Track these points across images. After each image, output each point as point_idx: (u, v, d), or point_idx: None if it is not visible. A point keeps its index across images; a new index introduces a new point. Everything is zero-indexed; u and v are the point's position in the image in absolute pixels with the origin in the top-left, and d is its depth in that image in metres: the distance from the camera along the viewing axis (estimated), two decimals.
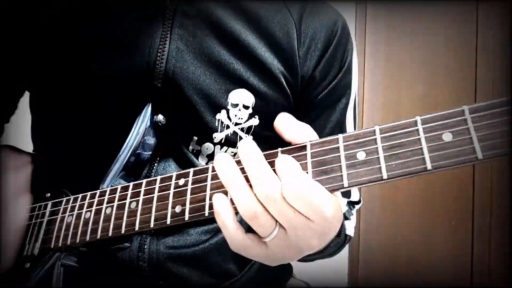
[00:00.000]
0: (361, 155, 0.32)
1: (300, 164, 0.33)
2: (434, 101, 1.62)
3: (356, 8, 1.65)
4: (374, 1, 1.67)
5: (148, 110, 0.48)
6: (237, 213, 0.34)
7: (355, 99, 0.56)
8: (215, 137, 0.50)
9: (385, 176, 0.31)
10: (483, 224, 1.55)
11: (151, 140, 0.49)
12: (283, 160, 0.32)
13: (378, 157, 0.31)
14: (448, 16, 1.63)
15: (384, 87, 1.66)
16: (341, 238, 0.50)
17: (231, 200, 0.33)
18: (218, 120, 0.49)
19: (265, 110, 0.50)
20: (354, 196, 0.57)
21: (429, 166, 0.30)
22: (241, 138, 0.51)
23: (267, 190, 0.31)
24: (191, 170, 0.39)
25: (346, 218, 0.52)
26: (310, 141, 0.34)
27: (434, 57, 1.64)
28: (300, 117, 0.54)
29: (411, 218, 1.62)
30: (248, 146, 0.33)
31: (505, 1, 1.55)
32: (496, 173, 1.53)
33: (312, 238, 0.33)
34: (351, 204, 0.58)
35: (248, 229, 0.34)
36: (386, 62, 1.66)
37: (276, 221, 0.32)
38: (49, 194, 0.48)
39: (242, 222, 0.34)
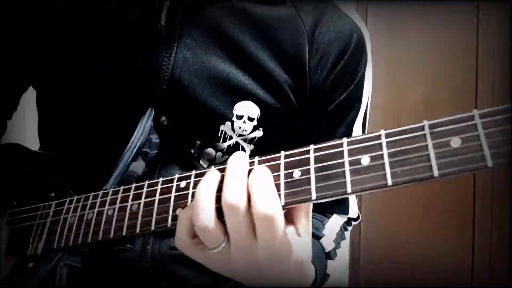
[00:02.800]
0: (365, 161, 0.31)
1: (302, 169, 0.33)
2: (435, 102, 1.60)
3: (357, 8, 1.63)
4: (375, 2, 1.65)
5: (152, 110, 0.48)
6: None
7: (365, 113, 0.55)
8: (217, 145, 0.50)
9: (389, 183, 0.30)
10: (484, 224, 1.54)
11: (157, 139, 0.49)
12: (257, 173, 0.32)
13: (383, 163, 0.30)
14: (449, 17, 1.61)
15: (385, 88, 1.65)
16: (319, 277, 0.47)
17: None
18: (222, 131, 0.49)
19: (270, 122, 0.50)
20: (353, 213, 0.56)
21: (436, 173, 0.29)
22: (243, 148, 0.50)
23: (233, 198, 0.31)
24: (193, 172, 0.38)
25: (329, 257, 0.50)
26: (314, 145, 0.34)
27: (434, 58, 1.62)
28: (307, 128, 0.53)
29: (412, 218, 1.61)
30: (237, 156, 0.33)
31: (505, 1, 1.51)
32: (497, 173, 1.51)
33: (246, 262, 0.33)
34: (349, 221, 0.57)
35: None
36: (387, 63, 1.64)
37: (225, 237, 0.33)
38: (53, 194, 0.48)
39: None
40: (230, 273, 0.36)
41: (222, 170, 0.34)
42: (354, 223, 0.58)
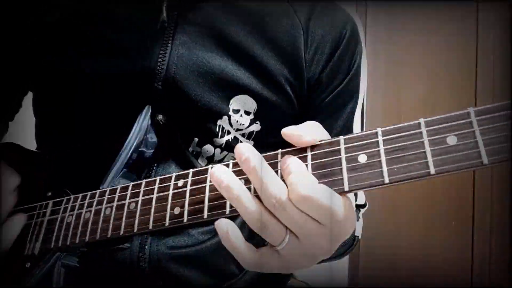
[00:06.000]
0: (362, 158, 0.31)
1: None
2: (434, 101, 1.60)
3: (356, 8, 1.63)
4: (375, 1, 1.65)
5: (149, 109, 0.48)
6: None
7: (363, 103, 0.55)
8: (215, 141, 0.50)
9: (386, 181, 0.30)
10: (483, 224, 1.53)
11: (154, 138, 0.49)
12: (288, 162, 0.31)
13: (380, 161, 0.31)
14: (448, 16, 1.61)
15: (384, 87, 1.65)
16: (350, 239, 0.49)
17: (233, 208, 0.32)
18: (219, 125, 0.48)
19: (267, 116, 0.50)
20: (360, 200, 0.56)
21: (432, 170, 0.29)
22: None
23: (274, 198, 0.30)
24: (191, 171, 0.38)
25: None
26: None
27: (434, 57, 1.62)
28: (305, 121, 0.53)
29: (411, 218, 1.61)
30: (245, 150, 0.31)
31: (505, 1, 1.52)
32: (497, 173, 1.51)
33: (326, 243, 0.32)
34: (357, 207, 0.57)
35: (256, 243, 0.33)
36: (386, 62, 1.64)
37: (287, 227, 0.31)
38: (50, 193, 0.48)
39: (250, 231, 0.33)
40: (311, 260, 0.33)
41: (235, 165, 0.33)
42: (362, 210, 0.58)
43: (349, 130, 0.54)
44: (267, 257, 0.33)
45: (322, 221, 0.30)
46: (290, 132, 0.33)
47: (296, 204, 0.30)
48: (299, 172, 0.30)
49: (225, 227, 0.32)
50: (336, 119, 0.53)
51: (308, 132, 0.33)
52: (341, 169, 0.32)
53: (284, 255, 0.32)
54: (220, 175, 0.32)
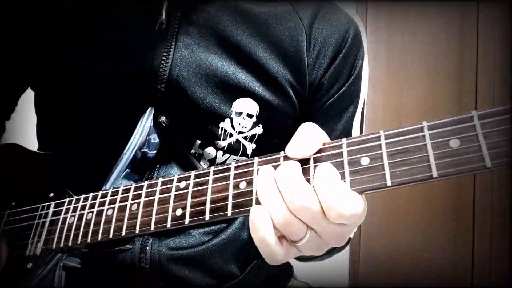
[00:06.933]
0: (365, 161, 0.31)
1: (302, 168, 0.33)
2: (434, 102, 1.60)
3: (357, 8, 1.63)
4: (375, 1, 1.65)
5: (152, 110, 0.48)
6: None
7: (363, 108, 0.55)
8: (217, 144, 0.50)
9: (389, 183, 0.30)
10: (483, 224, 1.54)
11: (156, 139, 0.49)
12: (323, 174, 0.31)
13: (383, 164, 0.31)
14: (449, 17, 1.61)
15: (384, 87, 1.65)
16: None
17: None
18: (222, 128, 0.49)
19: (269, 119, 0.50)
20: None
21: (435, 173, 0.29)
22: (244, 146, 0.50)
23: (307, 212, 0.30)
24: (193, 173, 0.38)
25: None
26: None
27: (434, 58, 1.62)
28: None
29: (411, 218, 1.61)
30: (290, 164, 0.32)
31: (505, 1, 1.51)
32: (497, 173, 1.51)
33: (343, 239, 0.33)
34: None
35: None
36: (387, 63, 1.64)
37: (307, 225, 0.32)
38: (52, 194, 0.48)
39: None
40: (324, 250, 0.35)
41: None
42: None
43: (348, 133, 0.54)
44: (289, 252, 0.33)
45: (351, 224, 0.31)
46: (293, 150, 0.33)
47: (334, 221, 0.30)
48: (336, 187, 0.30)
49: (259, 219, 0.31)
50: (336, 122, 0.53)
51: (309, 143, 0.33)
52: (343, 172, 0.32)
53: (301, 249, 0.33)
54: (265, 170, 0.33)
